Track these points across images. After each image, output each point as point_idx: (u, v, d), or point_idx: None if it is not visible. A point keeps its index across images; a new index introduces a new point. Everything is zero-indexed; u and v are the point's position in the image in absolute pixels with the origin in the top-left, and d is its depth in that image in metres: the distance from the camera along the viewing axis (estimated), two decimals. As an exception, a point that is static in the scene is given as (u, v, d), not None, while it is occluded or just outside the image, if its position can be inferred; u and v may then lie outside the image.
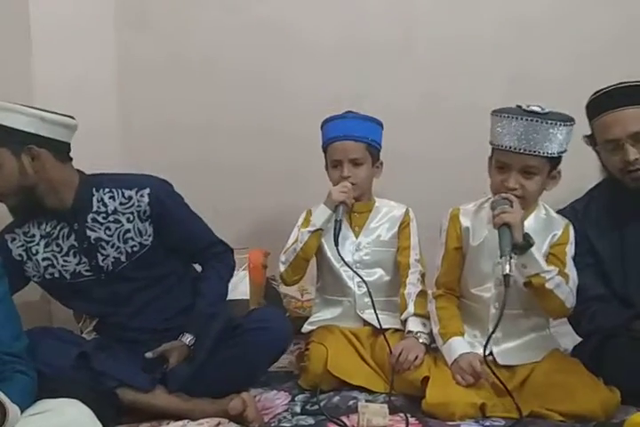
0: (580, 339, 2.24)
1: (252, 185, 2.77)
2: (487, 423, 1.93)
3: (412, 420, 1.95)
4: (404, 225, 2.43)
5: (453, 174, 2.21)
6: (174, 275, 2.22)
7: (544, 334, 2.20)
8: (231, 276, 2.29)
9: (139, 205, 2.10)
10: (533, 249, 1.98)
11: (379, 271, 2.41)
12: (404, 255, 2.40)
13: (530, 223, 2.13)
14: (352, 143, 2.34)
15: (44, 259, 2.12)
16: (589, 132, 2.19)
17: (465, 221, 2.22)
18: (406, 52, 2.89)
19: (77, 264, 2.11)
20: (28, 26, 2.39)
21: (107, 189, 2.12)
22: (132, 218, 2.11)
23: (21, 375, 1.71)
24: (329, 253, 2.40)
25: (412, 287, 2.34)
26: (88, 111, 2.60)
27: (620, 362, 1.99)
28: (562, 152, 2.06)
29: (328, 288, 2.45)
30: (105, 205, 2.10)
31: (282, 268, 2.36)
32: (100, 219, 2.10)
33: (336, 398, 2.11)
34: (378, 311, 2.26)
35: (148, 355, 2.05)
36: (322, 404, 2.07)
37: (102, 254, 2.11)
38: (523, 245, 1.97)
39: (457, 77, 2.86)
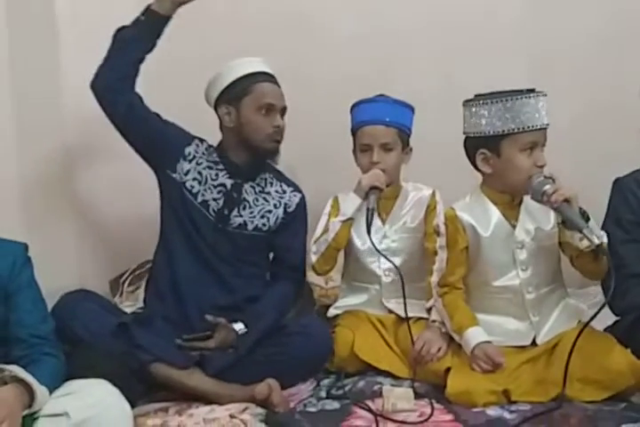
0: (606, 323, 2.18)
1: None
2: (513, 408, 1.92)
3: (437, 405, 1.95)
4: (430, 208, 2.39)
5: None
6: (260, 268, 2.37)
7: (569, 302, 2.19)
8: (293, 303, 2.39)
9: (289, 200, 2.37)
10: (592, 219, 1.95)
11: (404, 258, 2.37)
12: (430, 240, 2.35)
13: (528, 201, 2.11)
14: (383, 128, 2.31)
15: (199, 172, 2.29)
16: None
17: (466, 218, 2.17)
18: (424, 38, 2.88)
19: (213, 200, 2.27)
20: (55, 26, 2.43)
21: (271, 175, 2.38)
22: (278, 205, 2.34)
23: (49, 357, 1.74)
24: (357, 241, 2.37)
25: (438, 275, 2.29)
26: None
27: None
28: None
29: (355, 275, 2.44)
30: (265, 184, 2.35)
31: (313, 258, 2.34)
32: (256, 190, 2.33)
33: (361, 383, 2.11)
34: (401, 299, 2.25)
35: (208, 317, 2.14)
36: (347, 388, 2.08)
37: (238, 212, 2.29)
38: (586, 217, 1.94)
39: (475, 59, 2.85)
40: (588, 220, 1.93)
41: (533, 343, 2.09)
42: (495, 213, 2.14)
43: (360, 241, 2.35)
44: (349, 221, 2.31)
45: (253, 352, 2.10)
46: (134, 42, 2.14)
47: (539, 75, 2.64)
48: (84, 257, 2.59)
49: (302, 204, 2.39)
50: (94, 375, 1.73)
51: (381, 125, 2.31)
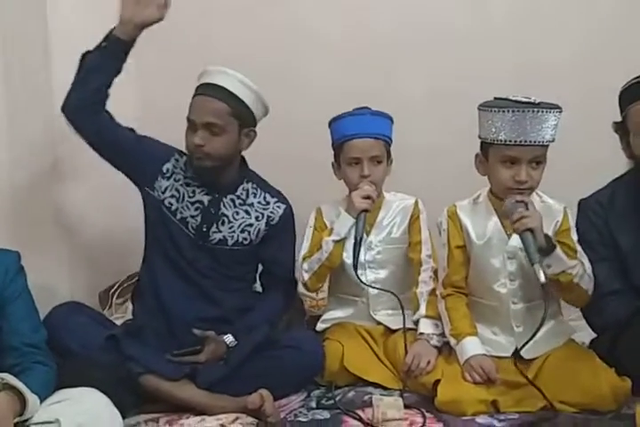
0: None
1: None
2: (502, 417, 1.94)
3: (427, 414, 1.97)
4: (414, 218, 2.38)
5: (463, 166, 2.21)
6: (246, 281, 2.37)
7: (560, 320, 2.20)
8: (285, 315, 2.40)
9: (272, 212, 2.31)
10: (557, 249, 1.97)
11: (390, 269, 2.38)
12: (415, 251, 2.36)
13: None
14: (372, 141, 2.29)
15: (176, 189, 2.27)
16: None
17: (464, 218, 2.20)
18: (414, 46, 2.92)
19: (192, 216, 2.25)
20: (46, 39, 2.46)
21: (254, 185, 2.33)
22: (260, 218, 2.30)
23: (41, 366, 1.75)
24: (343, 255, 2.34)
25: (424, 286, 2.31)
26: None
27: (633, 352, 1.96)
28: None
29: (341, 288, 2.43)
30: (247, 195, 2.30)
31: (305, 276, 2.32)
32: (236, 203, 2.29)
33: (351, 393, 2.12)
34: (389, 310, 2.32)
35: (196, 331, 2.12)
36: (337, 398, 2.08)
37: (217, 227, 2.26)
38: (547, 249, 1.95)
39: (463, 69, 2.89)
40: (553, 248, 1.95)
41: (519, 355, 2.07)
42: (493, 220, 2.16)
43: (347, 254, 2.32)
44: (342, 241, 2.29)
45: (245, 365, 2.10)
46: (98, 69, 2.12)
47: (523, 84, 2.68)
48: (74, 270, 2.59)
49: (287, 215, 2.34)
50: (85, 386, 1.74)
51: (370, 138, 2.29)
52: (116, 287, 2.66)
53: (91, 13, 2.56)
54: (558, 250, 1.97)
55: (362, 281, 2.27)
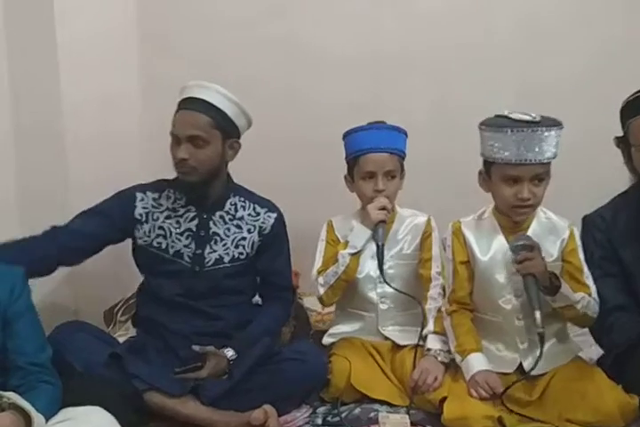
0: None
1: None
2: (508, 433, 1.93)
3: (433, 432, 1.96)
4: (426, 235, 2.39)
5: (468, 181, 2.22)
6: (245, 294, 2.35)
7: (566, 337, 2.20)
8: (285, 324, 2.40)
9: (263, 222, 2.30)
10: (563, 288, 1.97)
11: (400, 284, 2.35)
12: (425, 267, 2.36)
13: (534, 229, 2.14)
14: (387, 155, 2.30)
15: (160, 227, 2.25)
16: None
17: (468, 235, 2.21)
18: (418, 61, 2.95)
19: (185, 246, 2.24)
20: (55, 49, 2.46)
21: (242, 198, 2.32)
22: (252, 230, 2.29)
23: (46, 385, 1.75)
24: None
25: (432, 302, 2.31)
26: (113, 129, 2.68)
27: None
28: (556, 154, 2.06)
29: (351, 302, 2.42)
30: (236, 209, 2.29)
31: (321, 290, 2.31)
32: (226, 219, 2.28)
33: (357, 410, 2.11)
34: (398, 326, 2.31)
35: (195, 348, 2.11)
36: (343, 415, 2.08)
37: (211, 248, 2.25)
38: (551, 289, 1.97)
39: (467, 84, 2.91)
40: (557, 289, 1.97)
41: (523, 371, 2.08)
42: (499, 236, 2.16)
43: (359, 269, 2.33)
44: (359, 254, 2.30)
45: (248, 379, 2.09)
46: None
47: (527, 100, 2.70)
48: (79, 288, 2.61)
49: (278, 223, 2.33)
50: (90, 404, 1.73)
51: (385, 153, 2.30)
52: (120, 305, 2.65)
53: (98, 18, 2.61)
54: (564, 288, 1.98)
55: (388, 283, 2.26)
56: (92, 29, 2.56)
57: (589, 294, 2.06)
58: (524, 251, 2.00)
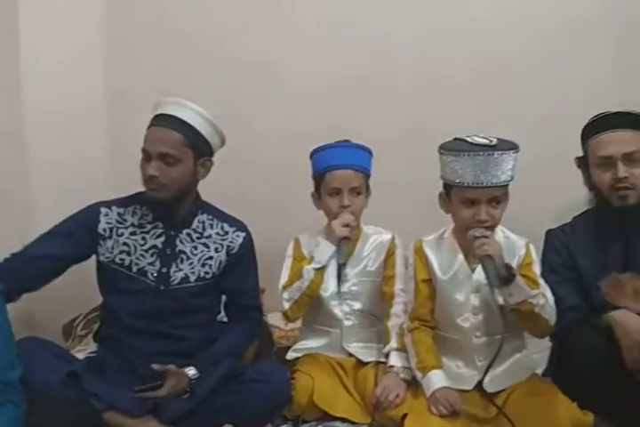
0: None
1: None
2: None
3: (393, 449, 1.97)
4: (390, 253, 2.42)
5: (433, 202, 2.27)
6: (210, 312, 2.32)
7: (525, 354, 2.24)
8: (251, 344, 2.37)
9: (231, 241, 2.26)
10: (517, 278, 2.01)
11: (363, 301, 2.39)
12: (389, 284, 2.39)
13: None
14: (352, 172, 2.34)
15: (124, 243, 2.19)
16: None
17: (429, 253, 2.25)
18: (389, 87, 2.98)
19: (149, 264, 2.18)
20: (18, 60, 2.44)
21: (209, 216, 2.28)
22: (219, 249, 2.25)
23: (12, 406, 1.71)
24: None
25: (395, 319, 2.34)
26: (76, 141, 2.65)
27: (583, 349, 2.02)
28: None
29: (316, 318, 2.44)
30: (203, 228, 2.25)
31: (286, 305, 2.33)
32: (193, 237, 2.23)
33: (318, 428, 2.12)
34: (361, 343, 2.33)
35: (155, 366, 2.05)
36: (304, 433, 2.07)
37: (177, 266, 2.20)
38: (507, 277, 2.00)
39: (439, 112, 2.95)
40: (513, 277, 2.00)
41: (482, 388, 2.11)
42: (459, 255, 2.20)
43: (323, 286, 2.35)
44: (323, 269, 2.32)
45: (211, 399, 2.06)
46: None
47: (493, 122, 2.72)
48: (34, 304, 2.56)
49: (247, 243, 2.30)
50: (48, 424, 1.72)
51: (351, 170, 2.34)
52: (80, 319, 2.61)
53: (63, 29, 2.58)
54: (519, 278, 2.02)
55: (346, 302, 2.34)
56: (57, 41, 2.54)
57: (546, 300, 2.08)
58: (478, 239, 2.04)
